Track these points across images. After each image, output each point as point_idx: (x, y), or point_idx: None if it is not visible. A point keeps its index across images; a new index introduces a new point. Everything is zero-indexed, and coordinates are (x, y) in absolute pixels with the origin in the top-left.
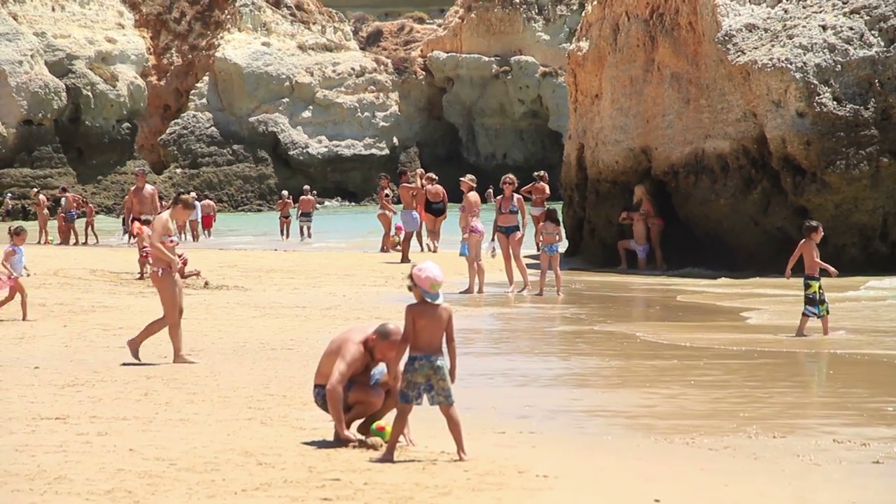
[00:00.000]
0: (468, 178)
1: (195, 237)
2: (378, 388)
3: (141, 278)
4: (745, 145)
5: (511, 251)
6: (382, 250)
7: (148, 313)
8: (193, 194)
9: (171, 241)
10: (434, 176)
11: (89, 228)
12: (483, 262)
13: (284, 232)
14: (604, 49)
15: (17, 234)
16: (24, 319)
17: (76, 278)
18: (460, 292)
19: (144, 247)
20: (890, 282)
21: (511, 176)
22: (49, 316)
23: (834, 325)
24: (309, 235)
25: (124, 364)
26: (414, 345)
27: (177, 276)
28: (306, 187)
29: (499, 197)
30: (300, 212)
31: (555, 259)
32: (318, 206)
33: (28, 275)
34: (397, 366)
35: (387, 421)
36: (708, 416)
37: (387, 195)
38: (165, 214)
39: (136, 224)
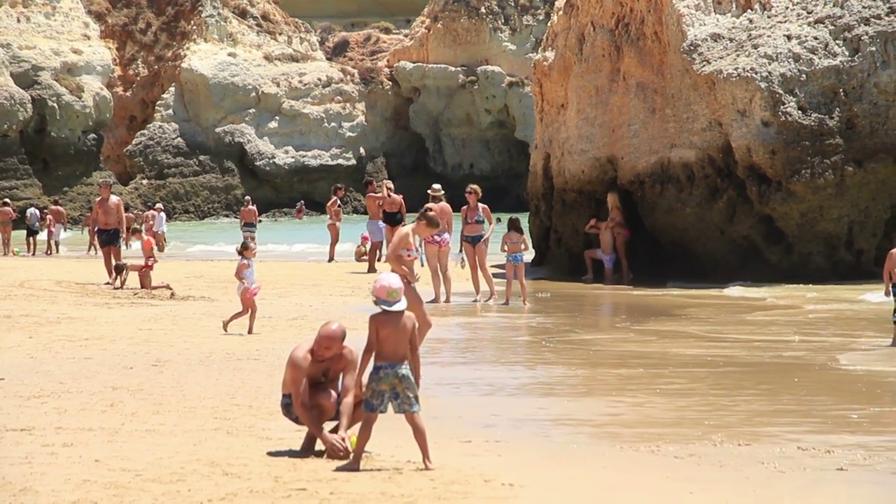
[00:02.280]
0: (433, 189)
1: (160, 248)
2: (328, 391)
3: (119, 287)
4: (710, 154)
5: (477, 260)
6: (329, 260)
7: (114, 324)
8: (159, 205)
9: (410, 256)
10: (391, 185)
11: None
12: (450, 272)
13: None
14: (569, 59)
15: (246, 249)
16: (249, 333)
17: (42, 290)
18: (427, 302)
19: (150, 258)
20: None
21: (475, 186)
22: (14, 327)
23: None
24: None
25: (89, 375)
26: (378, 354)
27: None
28: (248, 198)
29: (464, 207)
30: (243, 222)
31: (520, 268)
32: (261, 218)
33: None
34: (361, 375)
35: (353, 431)
36: (673, 425)
37: (339, 206)
38: (407, 228)
39: (151, 241)
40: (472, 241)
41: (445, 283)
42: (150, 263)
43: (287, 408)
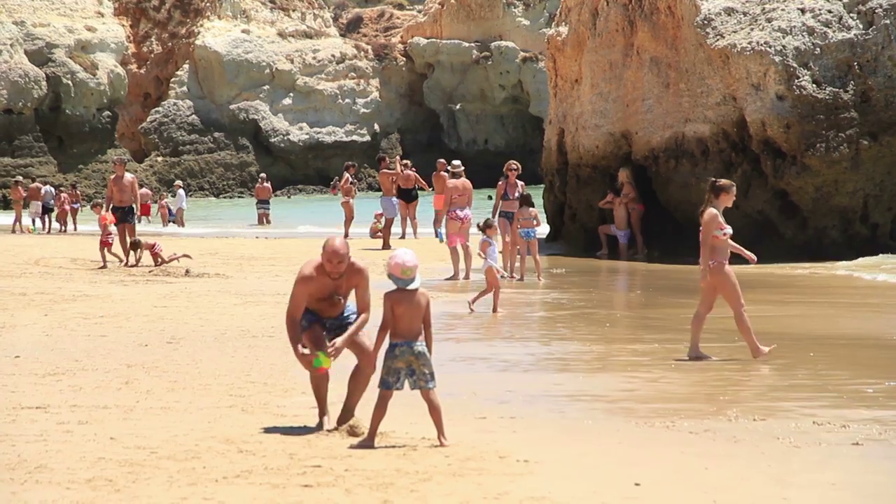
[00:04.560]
0: (453, 165)
1: (180, 224)
2: (339, 300)
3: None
4: (724, 129)
5: (512, 237)
6: (345, 237)
7: (130, 302)
8: (179, 182)
9: (725, 234)
10: (407, 162)
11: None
12: (471, 248)
13: (265, 220)
14: (583, 34)
15: (489, 227)
16: (494, 312)
17: (57, 267)
18: (445, 279)
19: (110, 234)
20: None
21: (515, 162)
22: (30, 305)
23: None
24: (268, 222)
25: (105, 353)
26: (394, 331)
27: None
28: (262, 175)
29: (501, 182)
30: (257, 199)
31: (533, 244)
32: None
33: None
34: (376, 353)
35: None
36: (688, 400)
37: (351, 183)
38: (712, 209)
39: (105, 215)
40: (510, 218)
41: (466, 259)
42: (108, 240)
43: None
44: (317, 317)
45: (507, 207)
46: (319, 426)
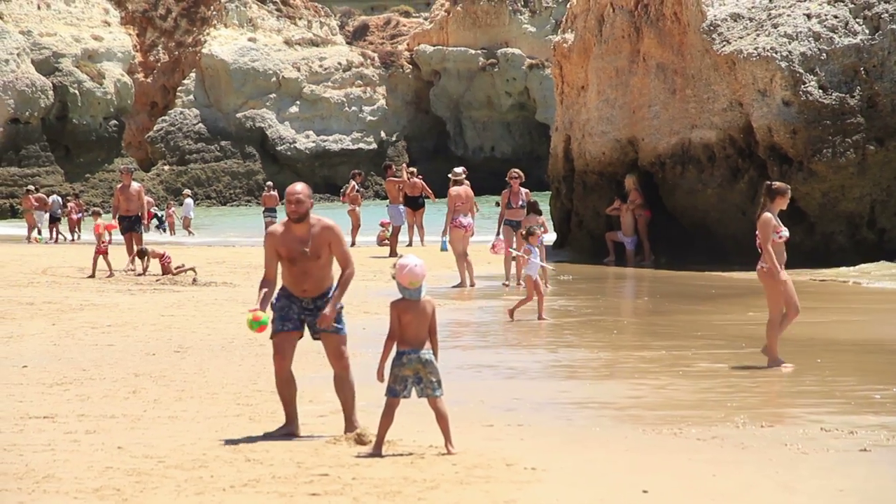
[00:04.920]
0: (455, 172)
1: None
2: (315, 258)
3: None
4: (731, 135)
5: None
6: (351, 245)
7: (137, 311)
8: (187, 191)
9: (781, 237)
10: (413, 170)
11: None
12: (470, 256)
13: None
14: (589, 40)
15: (531, 234)
16: (539, 318)
17: (64, 276)
18: (452, 286)
19: (105, 242)
20: None
21: (517, 170)
22: (37, 315)
23: None
24: None
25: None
26: (401, 339)
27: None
28: (269, 183)
29: (505, 191)
30: (264, 208)
31: (540, 251)
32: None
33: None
34: (384, 363)
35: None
36: (696, 407)
37: (358, 191)
38: (767, 213)
39: (99, 223)
40: (516, 227)
41: (468, 268)
42: (103, 248)
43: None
44: (293, 300)
45: (511, 216)
46: (284, 431)
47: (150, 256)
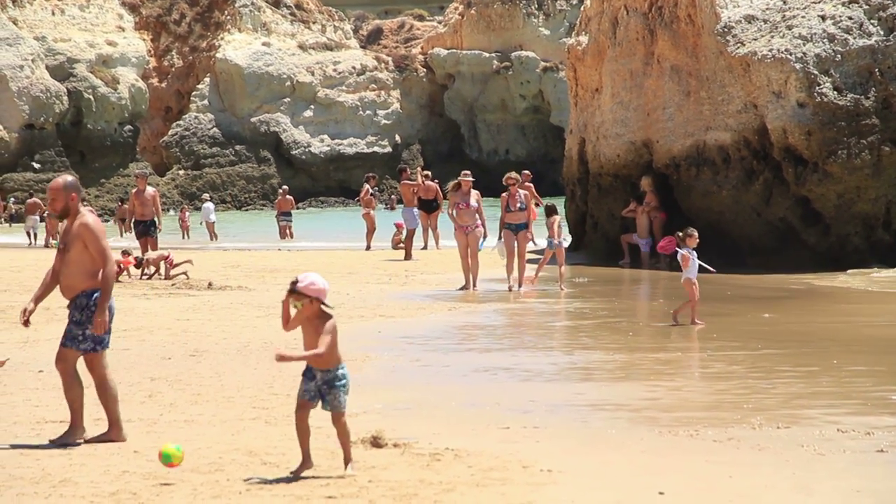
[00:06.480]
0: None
1: (211, 237)
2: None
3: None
4: (746, 137)
5: (517, 248)
6: (367, 248)
7: (152, 315)
8: (206, 195)
9: None
10: (428, 173)
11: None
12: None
13: (288, 233)
14: (603, 43)
15: (689, 236)
16: (692, 323)
17: None
18: (457, 289)
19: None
20: None
21: (514, 174)
22: (53, 319)
23: None
24: (290, 234)
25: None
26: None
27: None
28: (284, 188)
29: (504, 195)
30: (279, 212)
31: (560, 252)
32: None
33: None
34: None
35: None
36: (712, 408)
37: (372, 194)
38: None
39: (127, 259)
40: (515, 230)
41: (473, 270)
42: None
43: None
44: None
45: (510, 219)
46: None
47: (148, 264)
